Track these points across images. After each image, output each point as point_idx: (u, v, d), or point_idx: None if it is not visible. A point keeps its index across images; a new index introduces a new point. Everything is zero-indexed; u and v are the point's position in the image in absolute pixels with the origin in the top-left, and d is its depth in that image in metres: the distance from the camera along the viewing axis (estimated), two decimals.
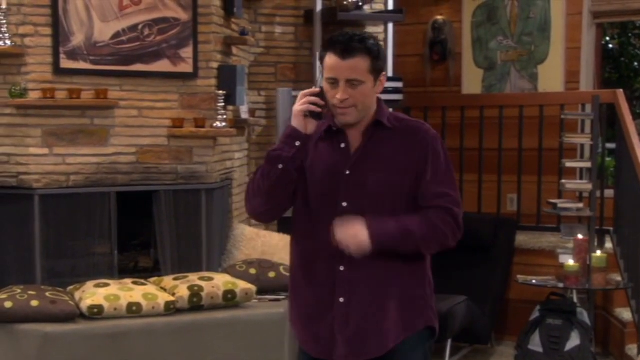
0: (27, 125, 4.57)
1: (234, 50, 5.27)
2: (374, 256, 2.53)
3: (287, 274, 4.62)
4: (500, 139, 6.06)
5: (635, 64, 9.90)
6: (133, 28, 4.72)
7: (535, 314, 5.01)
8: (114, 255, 4.76)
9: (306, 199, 2.59)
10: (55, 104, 4.55)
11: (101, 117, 4.70)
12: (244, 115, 5.34)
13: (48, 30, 4.56)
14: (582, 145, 6.07)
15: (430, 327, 2.66)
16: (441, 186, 2.57)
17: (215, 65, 4.91)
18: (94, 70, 4.65)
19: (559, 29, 6.32)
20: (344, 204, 2.55)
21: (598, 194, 5.58)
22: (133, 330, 4.17)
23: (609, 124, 6.00)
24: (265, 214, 2.67)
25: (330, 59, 2.50)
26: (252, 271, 4.76)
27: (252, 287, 4.52)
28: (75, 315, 4.17)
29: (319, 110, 2.50)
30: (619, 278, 5.25)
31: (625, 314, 5.16)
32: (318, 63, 5.45)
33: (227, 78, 4.93)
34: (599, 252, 5.13)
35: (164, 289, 4.44)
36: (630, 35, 9.84)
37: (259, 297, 4.58)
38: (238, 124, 5.22)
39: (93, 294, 4.22)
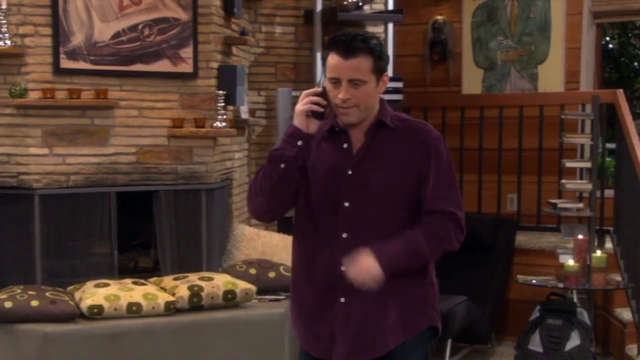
0: (27, 125, 4.57)
1: (234, 50, 5.26)
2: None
3: (287, 274, 4.67)
4: (500, 139, 6.06)
5: (635, 64, 9.91)
6: (133, 28, 4.72)
7: (535, 314, 5.01)
8: (114, 255, 4.76)
9: (308, 199, 2.59)
10: (55, 104, 4.55)
11: (101, 117, 4.70)
12: (244, 115, 5.34)
13: (48, 30, 4.56)
14: (582, 145, 6.08)
15: (433, 327, 2.66)
16: (444, 189, 2.57)
17: (215, 65, 4.91)
18: (94, 70, 4.65)
19: (559, 29, 6.32)
20: (346, 204, 2.55)
21: (598, 194, 5.58)
22: (133, 330, 4.17)
23: (609, 124, 6.00)
24: (267, 213, 2.67)
25: (333, 58, 2.50)
26: (252, 271, 4.76)
27: (252, 287, 4.52)
28: (75, 315, 4.17)
29: (321, 110, 2.50)
30: (619, 278, 5.25)
31: (625, 314, 5.16)
32: (319, 63, 5.47)
33: (227, 78, 4.93)
34: (599, 252, 5.13)
35: (164, 289, 4.44)
36: (630, 35, 9.84)
37: (259, 297, 4.58)
38: (238, 124, 5.22)
39: (93, 294, 4.22)
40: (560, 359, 4.81)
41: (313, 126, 2.52)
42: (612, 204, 5.72)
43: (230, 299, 4.43)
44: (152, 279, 4.62)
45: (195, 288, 4.37)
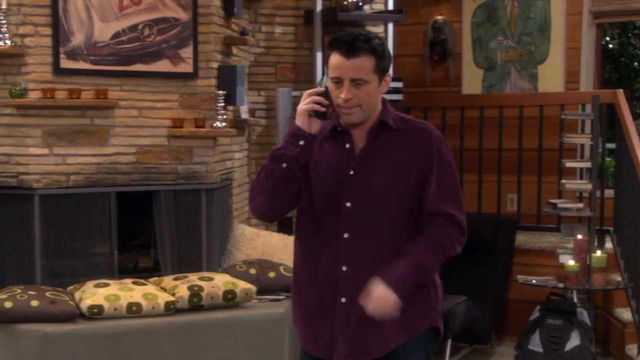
0: (27, 125, 4.56)
1: (234, 50, 5.26)
2: (376, 258, 2.54)
3: (287, 274, 4.68)
4: (500, 139, 6.06)
5: (635, 64, 9.91)
6: (133, 28, 4.72)
7: (535, 314, 5.01)
8: (114, 255, 4.75)
9: (310, 199, 2.59)
10: (55, 104, 4.55)
11: (101, 117, 4.70)
12: (244, 115, 5.34)
13: (48, 30, 4.56)
14: (582, 145, 6.08)
15: (434, 327, 2.66)
16: (446, 190, 2.57)
17: (215, 65, 4.91)
18: (94, 70, 4.65)
19: (559, 29, 6.32)
20: (348, 204, 2.55)
21: (598, 194, 5.58)
22: (133, 330, 4.17)
23: (609, 124, 6.00)
24: (268, 212, 2.67)
25: (335, 58, 2.50)
26: (252, 271, 4.76)
27: (252, 287, 4.52)
28: (75, 315, 4.17)
29: (324, 109, 2.50)
30: (619, 278, 5.25)
31: (625, 314, 5.16)
32: (319, 63, 5.47)
33: (227, 78, 4.93)
34: (599, 252, 5.13)
35: (164, 289, 4.44)
36: (630, 35, 9.85)
37: (259, 297, 4.58)
38: (238, 124, 5.22)
39: (93, 294, 4.21)
40: (560, 359, 4.81)
41: (315, 126, 2.52)
42: (612, 204, 5.72)
43: (230, 299, 4.43)
44: (152, 279, 4.62)
45: (195, 288, 4.37)
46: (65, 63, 4.59)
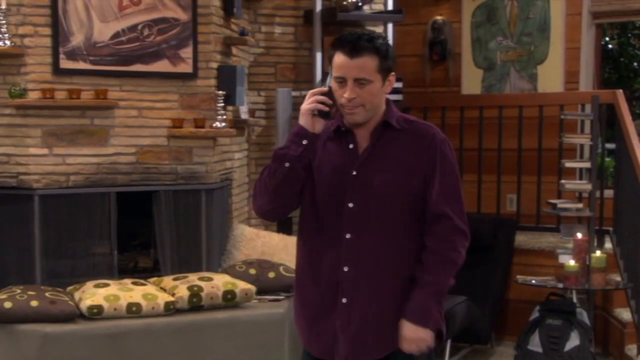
0: (26, 125, 4.56)
1: (234, 50, 5.26)
2: (378, 259, 2.54)
3: (287, 274, 4.68)
4: (500, 139, 6.06)
5: (635, 64, 9.91)
6: (133, 28, 4.72)
7: (535, 314, 5.01)
8: (114, 255, 4.75)
9: (313, 199, 2.59)
10: (55, 104, 4.55)
11: (101, 117, 4.70)
12: (244, 115, 5.34)
13: (48, 31, 4.56)
14: (582, 146, 6.08)
15: (436, 328, 2.65)
16: (448, 193, 2.57)
17: (215, 65, 4.91)
18: (94, 70, 4.65)
19: (559, 29, 6.33)
20: (350, 205, 2.55)
21: (597, 194, 5.58)
22: (133, 331, 4.17)
23: (608, 124, 6.00)
24: (271, 212, 2.66)
25: (339, 57, 2.50)
26: (252, 271, 4.76)
27: (252, 288, 4.52)
28: (75, 315, 4.17)
29: (327, 109, 2.50)
30: (618, 278, 5.25)
31: (625, 314, 5.16)
32: (319, 63, 5.47)
33: (226, 78, 4.93)
34: (598, 252, 5.13)
35: (163, 289, 4.44)
36: (630, 35, 9.85)
37: (259, 297, 4.58)
38: (238, 124, 5.22)
39: (93, 294, 4.21)
40: (560, 359, 4.81)
41: (319, 125, 2.52)
42: (611, 204, 5.72)
43: (229, 299, 4.43)
44: (152, 279, 4.62)
45: (195, 288, 4.37)
46: (65, 63, 4.59)
